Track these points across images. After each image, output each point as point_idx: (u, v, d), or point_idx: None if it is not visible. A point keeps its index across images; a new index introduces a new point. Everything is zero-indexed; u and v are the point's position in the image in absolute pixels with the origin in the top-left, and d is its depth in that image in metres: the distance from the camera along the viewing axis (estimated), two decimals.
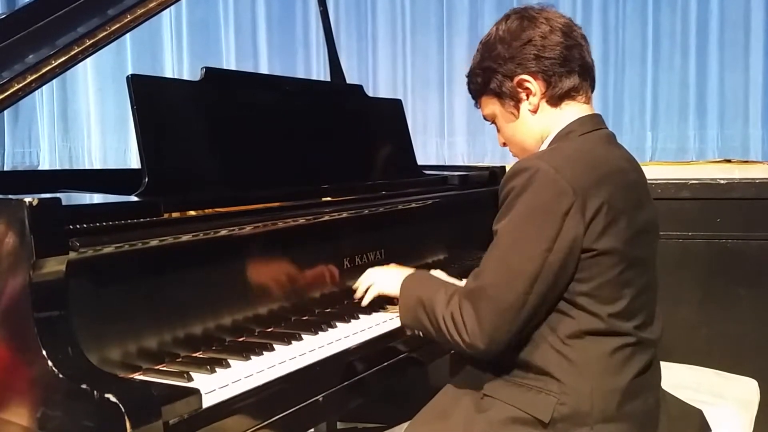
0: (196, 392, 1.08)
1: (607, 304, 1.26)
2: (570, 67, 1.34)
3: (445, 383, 1.47)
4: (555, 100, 1.36)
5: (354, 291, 1.63)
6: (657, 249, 1.39)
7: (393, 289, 1.49)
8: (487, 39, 1.41)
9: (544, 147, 1.38)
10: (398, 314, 1.55)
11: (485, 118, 1.48)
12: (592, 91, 1.41)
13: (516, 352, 1.29)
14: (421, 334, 1.42)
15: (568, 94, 1.36)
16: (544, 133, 1.38)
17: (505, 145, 1.49)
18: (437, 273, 1.75)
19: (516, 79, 1.36)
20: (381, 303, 1.62)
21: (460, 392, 1.39)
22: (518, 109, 1.39)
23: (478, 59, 1.42)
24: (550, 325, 1.27)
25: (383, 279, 1.56)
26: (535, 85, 1.35)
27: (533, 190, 1.23)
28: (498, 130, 1.48)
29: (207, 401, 1.10)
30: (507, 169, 2.34)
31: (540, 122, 1.38)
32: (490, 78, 1.39)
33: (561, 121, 1.36)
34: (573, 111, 1.37)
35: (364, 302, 1.59)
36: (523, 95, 1.37)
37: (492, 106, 1.43)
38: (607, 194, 1.24)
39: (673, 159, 3.20)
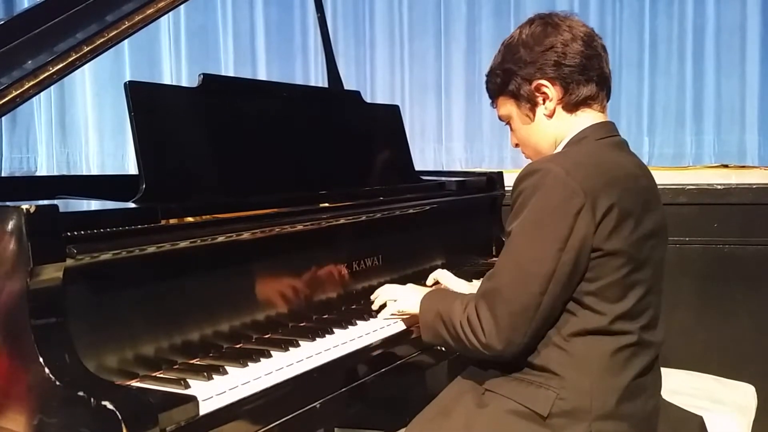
0: (193, 399, 1.08)
1: (612, 303, 1.27)
2: (588, 76, 1.37)
3: (443, 389, 1.47)
4: (571, 106, 1.38)
5: (353, 295, 1.63)
6: (665, 253, 1.41)
7: (413, 308, 1.50)
8: (510, 41, 1.43)
9: (557, 151, 1.40)
10: (398, 321, 1.56)
11: (500, 119, 1.50)
12: (608, 101, 1.43)
13: None
14: (443, 348, 1.45)
15: (585, 102, 1.38)
16: (558, 138, 1.40)
17: (517, 146, 1.51)
18: (444, 273, 1.76)
19: (534, 83, 1.38)
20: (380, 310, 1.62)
21: (462, 390, 1.40)
22: (534, 113, 1.41)
23: (499, 60, 1.44)
24: (555, 323, 1.28)
25: (404, 297, 1.56)
26: (552, 91, 1.37)
27: (545, 192, 1.25)
28: (512, 131, 1.49)
29: (204, 408, 1.09)
30: (504, 174, 2.36)
31: (555, 127, 1.40)
32: (509, 79, 1.41)
33: (575, 127, 1.38)
34: (588, 118, 1.39)
35: (381, 315, 1.59)
36: (540, 99, 1.39)
37: (508, 107, 1.45)
38: (617, 197, 1.26)
39: (670, 164, 3.20)
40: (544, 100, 1.39)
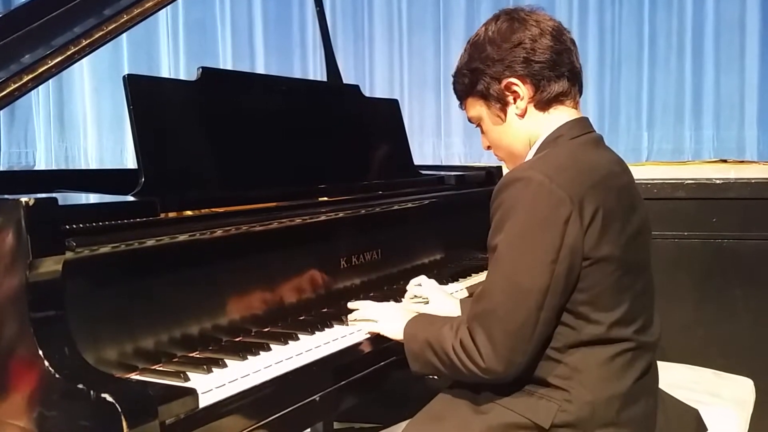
0: (192, 392, 1.08)
1: (607, 311, 1.24)
2: (559, 72, 1.32)
3: (442, 384, 1.47)
4: (543, 104, 1.34)
5: (352, 289, 1.62)
6: (651, 250, 1.38)
7: (395, 335, 1.43)
8: (475, 39, 1.38)
9: (532, 152, 1.35)
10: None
11: (470, 120, 1.45)
12: (580, 96, 1.38)
13: None
14: (436, 377, 1.40)
15: (557, 99, 1.33)
16: (532, 138, 1.36)
17: (489, 148, 1.46)
18: (427, 281, 1.72)
19: (504, 81, 1.33)
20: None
21: (457, 395, 1.37)
22: (505, 113, 1.36)
23: (466, 59, 1.39)
24: (552, 336, 1.25)
25: (386, 321, 1.48)
26: (523, 89, 1.33)
27: (529, 202, 1.21)
28: (483, 133, 1.45)
29: (203, 401, 1.10)
30: (503, 169, 2.36)
31: (527, 126, 1.36)
32: (477, 79, 1.36)
33: (549, 125, 1.34)
34: (561, 115, 1.34)
35: (359, 331, 1.51)
36: (511, 99, 1.35)
37: (478, 108, 1.40)
38: (601, 199, 1.22)
39: (669, 159, 3.20)
40: (515, 99, 1.34)
